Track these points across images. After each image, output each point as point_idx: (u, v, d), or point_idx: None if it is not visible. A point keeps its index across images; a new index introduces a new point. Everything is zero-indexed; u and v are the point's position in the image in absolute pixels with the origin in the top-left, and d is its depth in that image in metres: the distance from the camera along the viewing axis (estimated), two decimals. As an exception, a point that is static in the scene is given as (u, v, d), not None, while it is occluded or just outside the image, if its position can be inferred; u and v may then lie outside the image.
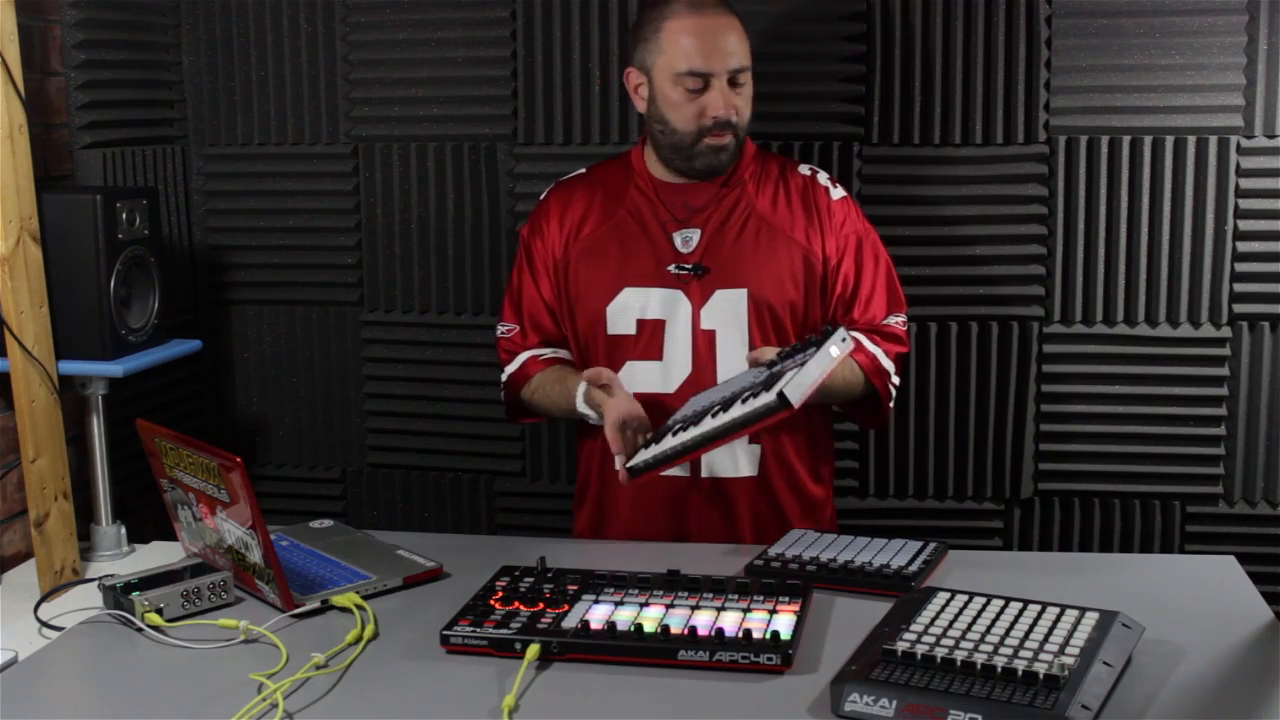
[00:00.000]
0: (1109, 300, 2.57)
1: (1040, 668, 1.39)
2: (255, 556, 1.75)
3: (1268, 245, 2.51)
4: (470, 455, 2.82)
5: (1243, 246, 2.51)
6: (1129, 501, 2.63)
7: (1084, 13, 2.50)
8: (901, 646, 1.47)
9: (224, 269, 2.84)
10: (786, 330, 2.09)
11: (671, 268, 2.08)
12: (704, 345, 2.07)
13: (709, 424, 1.83)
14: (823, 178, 2.15)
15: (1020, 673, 1.39)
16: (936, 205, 2.55)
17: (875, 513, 2.70)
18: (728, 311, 2.07)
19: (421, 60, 2.70)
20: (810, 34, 2.57)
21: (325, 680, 1.54)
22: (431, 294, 2.78)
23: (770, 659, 1.52)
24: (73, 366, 2.12)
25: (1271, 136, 2.47)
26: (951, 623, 1.55)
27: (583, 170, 2.23)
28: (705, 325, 2.07)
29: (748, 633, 1.55)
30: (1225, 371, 2.56)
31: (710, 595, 1.69)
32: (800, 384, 1.74)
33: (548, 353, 2.17)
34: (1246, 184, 2.49)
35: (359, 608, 1.73)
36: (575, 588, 1.73)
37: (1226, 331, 2.55)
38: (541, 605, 1.67)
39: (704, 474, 2.10)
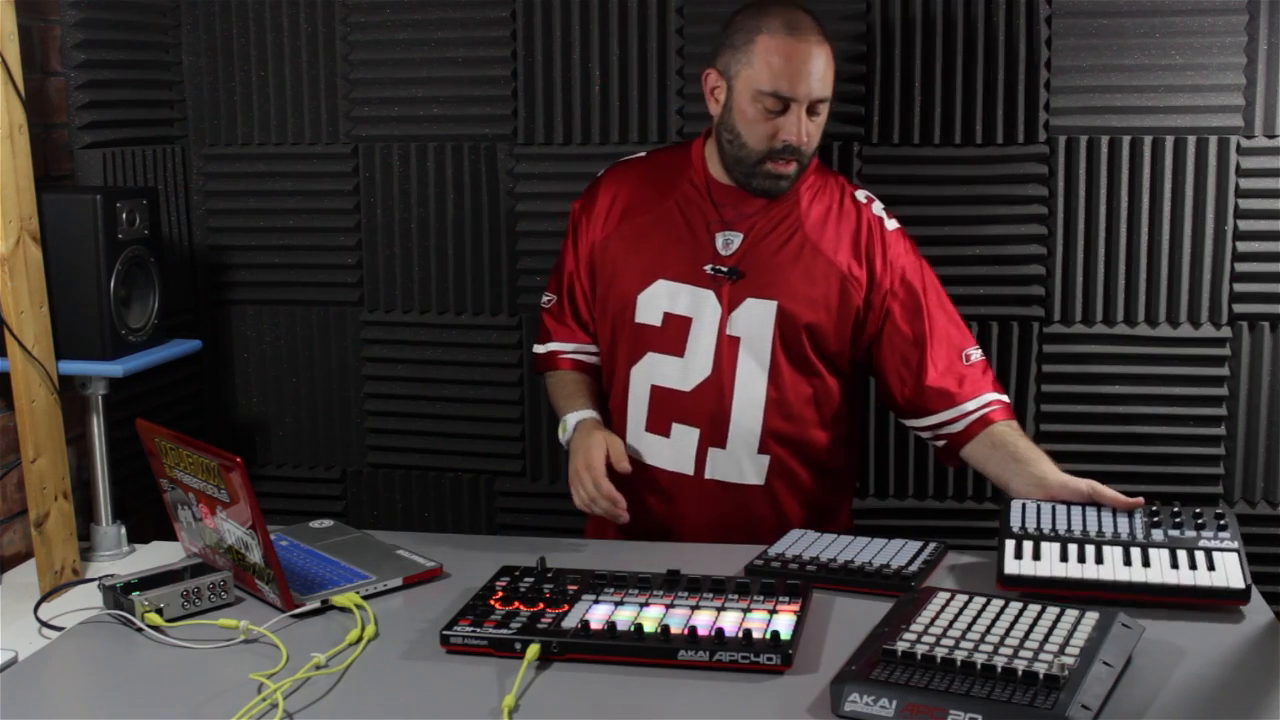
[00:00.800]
0: (1109, 300, 2.57)
1: (1040, 668, 1.39)
2: (255, 556, 1.75)
3: (1268, 245, 2.51)
4: (470, 455, 2.82)
5: (1243, 246, 2.51)
6: (1129, 501, 2.62)
7: (1084, 13, 2.49)
8: (901, 646, 1.47)
9: (224, 269, 2.84)
10: (807, 353, 2.08)
11: (708, 267, 2.08)
12: (726, 350, 2.07)
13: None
14: (878, 207, 2.14)
15: (1020, 673, 1.39)
16: (936, 205, 2.55)
17: (875, 513, 2.69)
18: (755, 321, 2.06)
19: (421, 60, 2.70)
20: (810, 34, 2.57)
21: (325, 680, 1.54)
22: (431, 294, 2.78)
23: (770, 659, 1.52)
24: (73, 366, 2.12)
25: (1271, 136, 2.47)
26: (951, 623, 1.55)
27: (643, 153, 2.26)
28: (731, 331, 2.07)
29: (748, 633, 1.55)
30: (1225, 371, 2.56)
31: (710, 595, 1.69)
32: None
33: (570, 349, 2.23)
34: (1246, 184, 2.49)
35: (359, 608, 1.73)
36: (575, 588, 1.73)
37: (1226, 331, 2.54)
38: (541, 605, 1.67)
39: (709, 475, 2.11)
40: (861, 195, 2.16)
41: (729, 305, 2.07)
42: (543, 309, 2.29)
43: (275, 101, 2.76)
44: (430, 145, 2.73)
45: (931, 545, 1.93)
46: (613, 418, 2.20)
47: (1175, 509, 1.90)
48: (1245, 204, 2.50)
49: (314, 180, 2.78)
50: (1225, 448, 2.58)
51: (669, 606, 1.66)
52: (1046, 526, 1.86)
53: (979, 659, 1.42)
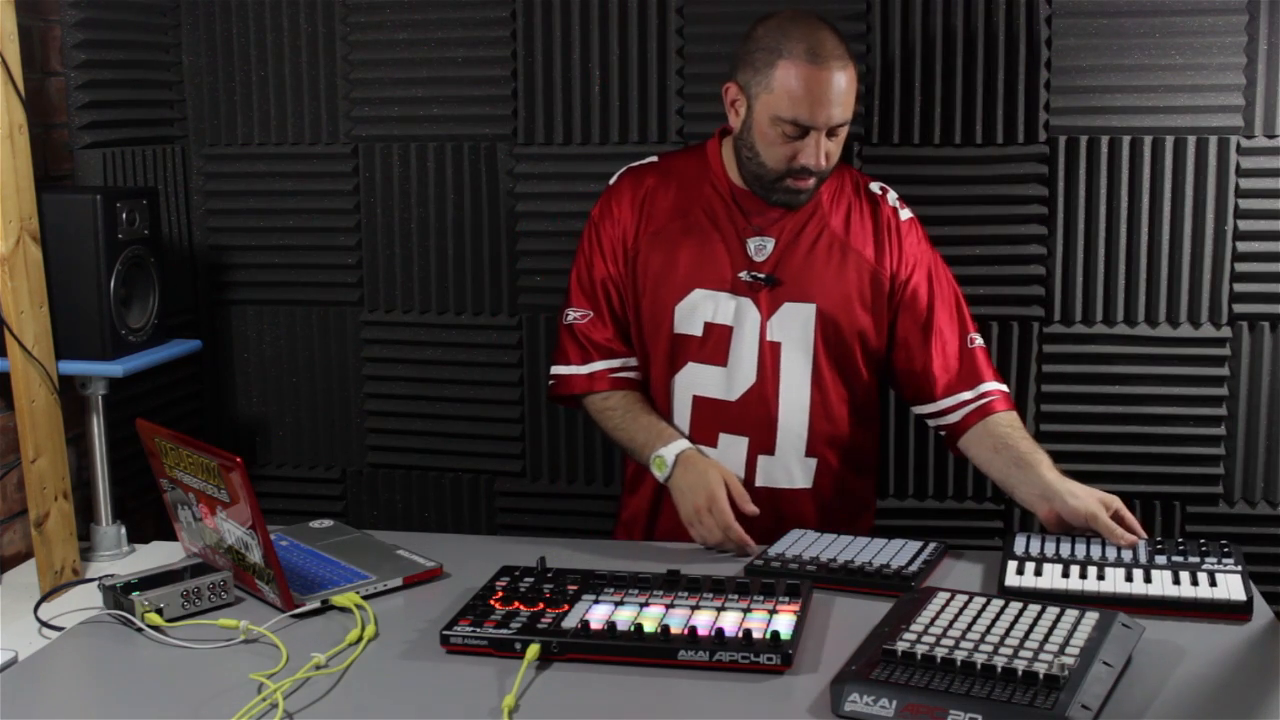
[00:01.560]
0: (1109, 300, 2.57)
1: (1040, 668, 1.39)
2: (255, 556, 1.75)
3: (1268, 245, 2.51)
4: (470, 455, 2.82)
5: (1243, 246, 2.51)
6: (1129, 501, 2.58)
7: (1084, 13, 2.49)
8: (901, 646, 1.47)
9: (224, 269, 2.84)
10: (852, 350, 2.09)
11: (743, 274, 2.07)
12: (769, 356, 2.07)
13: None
14: (892, 197, 2.16)
15: (1020, 673, 1.39)
16: (936, 205, 2.55)
17: (875, 512, 2.69)
18: (795, 325, 2.07)
19: (421, 60, 2.70)
20: (810, 34, 2.57)
21: (325, 680, 1.54)
22: (431, 294, 2.78)
23: (770, 659, 1.52)
24: (73, 366, 2.12)
25: (1271, 136, 2.47)
26: (951, 623, 1.55)
27: (654, 159, 2.21)
28: (771, 337, 2.07)
29: (748, 633, 1.55)
30: (1225, 371, 2.56)
31: (710, 595, 1.69)
32: None
33: (617, 365, 2.15)
34: (1246, 184, 2.49)
35: (359, 608, 1.73)
36: (575, 588, 1.73)
37: (1226, 331, 2.54)
38: (541, 605, 1.67)
39: (759, 483, 2.10)
40: (876, 187, 2.17)
41: (768, 312, 2.07)
42: (570, 325, 2.16)
43: (275, 101, 2.76)
44: (430, 145, 2.73)
45: (931, 545, 1.93)
46: None
47: (1180, 541, 1.90)
48: (1245, 204, 2.50)
49: (314, 180, 2.78)
50: (1225, 448, 2.58)
51: (669, 606, 1.66)
52: (1050, 553, 1.87)
53: (979, 659, 1.42)
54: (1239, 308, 2.53)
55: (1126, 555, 1.84)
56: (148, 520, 2.43)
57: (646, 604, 1.67)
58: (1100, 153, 2.52)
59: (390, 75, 2.72)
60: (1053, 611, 1.58)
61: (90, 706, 1.57)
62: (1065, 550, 1.87)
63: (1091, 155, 2.53)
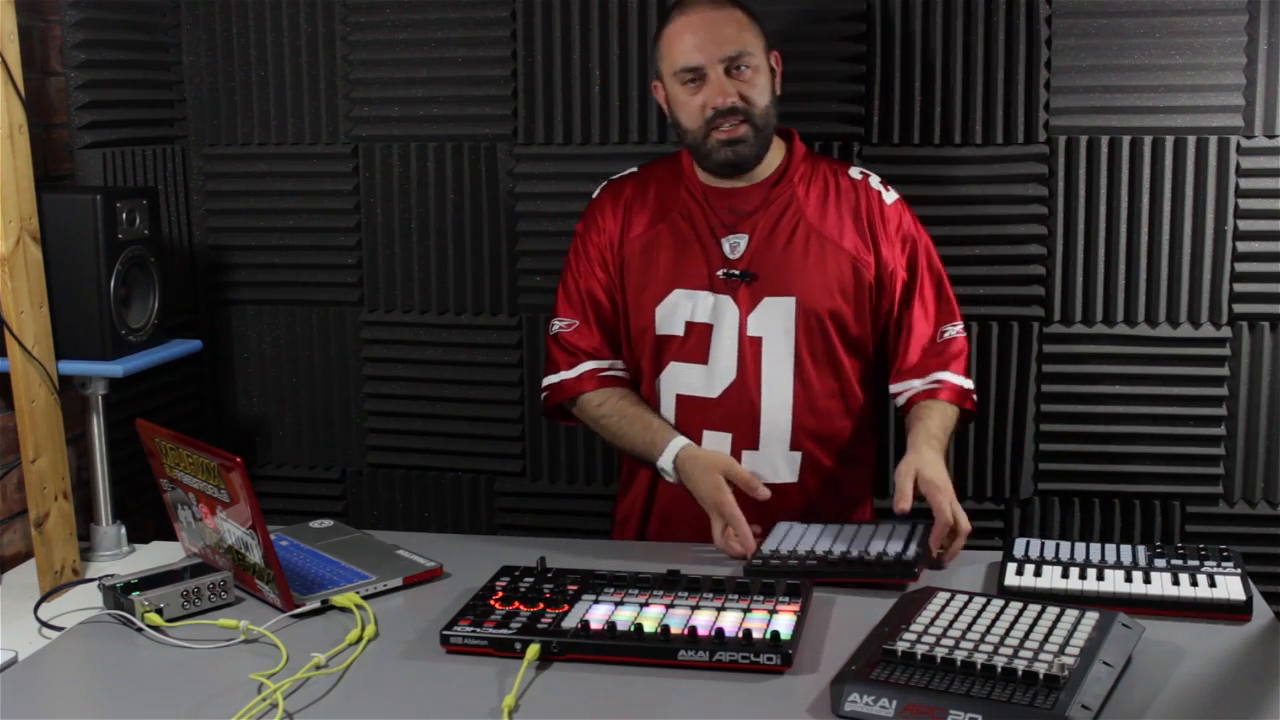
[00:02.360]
0: (1109, 300, 2.57)
1: (1040, 668, 1.39)
2: (255, 556, 1.75)
3: (1268, 245, 2.51)
4: (470, 455, 2.82)
5: (1243, 246, 2.51)
6: (1129, 501, 2.62)
7: (1084, 13, 2.49)
8: (901, 646, 1.47)
9: (224, 269, 2.84)
10: (833, 341, 2.09)
11: (720, 273, 2.08)
12: (750, 352, 2.08)
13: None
14: (875, 181, 2.15)
15: (1020, 673, 1.39)
16: (936, 205, 2.55)
17: (875, 511, 2.69)
18: (775, 319, 2.07)
19: (421, 60, 2.70)
20: (810, 34, 2.57)
21: (325, 680, 1.54)
22: (431, 294, 2.78)
23: (770, 659, 1.52)
24: (73, 366, 2.12)
25: (1271, 136, 2.47)
26: (951, 623, 1.55)
27: (633, 169, 2.24)
28: (752, 332, 2.07)
29: (748, 633, 1.55)
30: (1225, 371, 2.56)
31: (710, 595, 1.69)
32: None
33: (604, 365, 2.17)
34: (1246, 184, 2.49)
35: (359, 608, 1.73)
36: (575, 588, 1.73)
37: (1226, 331, 2.54)
38: (541, 605, 1.67)
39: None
40: (856, 172, 2.17)
41: (747, 307, 2.07)
42: (556, 335, 2.18)
43: (275, 101, 2.76)
44: (430, 145, 2.73)
45: (919, 526, 1.93)
46: None
47: (1179, 545, 1.91)
48: (1245, 204, 2.50)
49: (314, 180, 2.78)
50: (1225, 448, 2.58)
51: (669, 606, 1.66)
52: (1050, 556, 1.88)
53: (979, 659, 1.42)
54: (1239, 308, 2.53)
55: (1126, 557, 1.84)
56: (148, 520, 2.43)
57: (646, 604, 1.67)
58: (1100, 153, 2.52)
59: (390, 75, 2.72)
60: (1052, 612, 1.58)
61: (90, 706, 1.57)
62: (1065, 552, 1.88)
63: (1091, 155, 2.53)
